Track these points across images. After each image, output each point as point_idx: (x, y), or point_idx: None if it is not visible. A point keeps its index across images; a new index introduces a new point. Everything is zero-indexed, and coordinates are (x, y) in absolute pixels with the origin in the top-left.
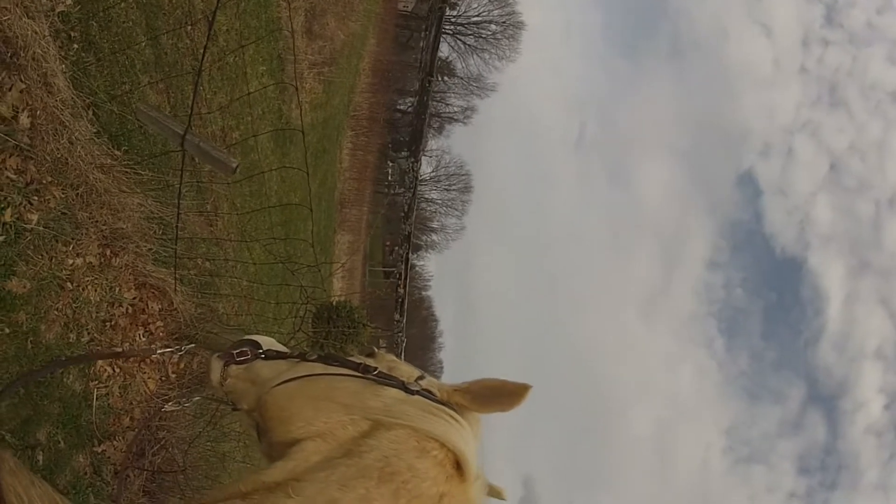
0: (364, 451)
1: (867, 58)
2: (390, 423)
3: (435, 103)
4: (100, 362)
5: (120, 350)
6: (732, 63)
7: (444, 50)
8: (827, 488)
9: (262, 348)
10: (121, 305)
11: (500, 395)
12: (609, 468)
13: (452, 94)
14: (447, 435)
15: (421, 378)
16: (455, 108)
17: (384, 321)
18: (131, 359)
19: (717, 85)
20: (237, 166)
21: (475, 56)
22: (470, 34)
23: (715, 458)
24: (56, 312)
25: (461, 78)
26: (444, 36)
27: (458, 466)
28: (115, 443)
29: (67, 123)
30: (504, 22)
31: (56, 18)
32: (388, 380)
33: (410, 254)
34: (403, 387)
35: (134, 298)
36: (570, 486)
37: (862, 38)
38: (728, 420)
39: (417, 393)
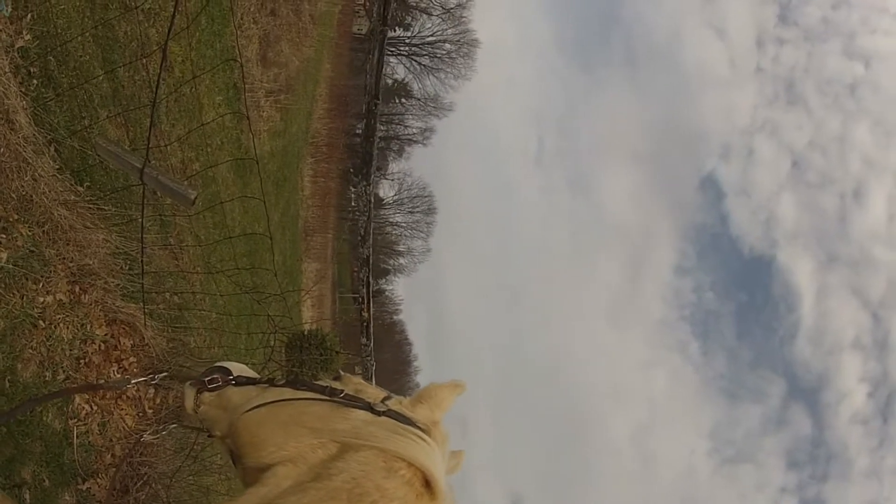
0: (333, 474)
1: (823, 53)
2: (358, 445)
3: (393, 126)
4: (77, 400)
5: (96, 383)
6: (688, 67)
7: (400, 71)
8: (818, 480)
9: (232, 375)
10: (93, 342)
11: (444, 388)
12: (596, 479)
13: (410, 116)
14: (415, 454)
15: (388, 398)
16: (414, 130)
17: (355, 347)
18: (108, 395)
19: (674, 90)
20: (196, 198)
21: (431, 76)
22: (425, 54)
23: (700, 461)
24: (31, 351)
25: (418, 99)
26: (399, 57)
27: (428, 484)
28: (98, 480)
29: (30, 160)
30: (458, 41)
31: (16, 54)
32: (355, 402)
33: (371, 277)
34: (370, 408)
35: (106, 335)
36: (558, 501)
37: (817, 34)
38: (710, 422)
39: (385, 414)
